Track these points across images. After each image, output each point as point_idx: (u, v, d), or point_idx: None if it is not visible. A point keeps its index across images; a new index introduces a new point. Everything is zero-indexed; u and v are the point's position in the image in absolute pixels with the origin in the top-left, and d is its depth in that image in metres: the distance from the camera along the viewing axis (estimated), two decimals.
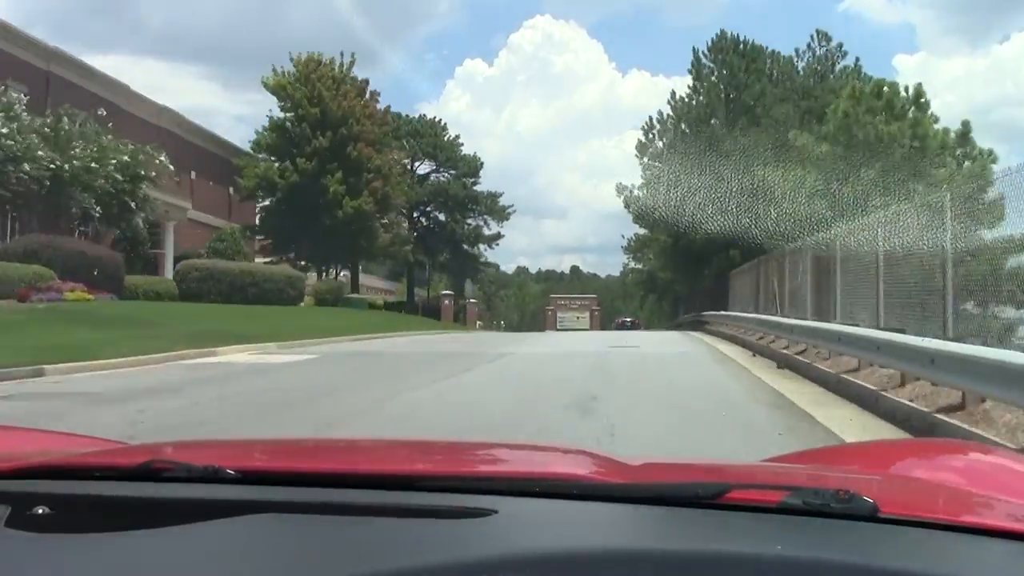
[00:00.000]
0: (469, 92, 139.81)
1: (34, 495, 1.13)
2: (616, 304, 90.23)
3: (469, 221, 60.10)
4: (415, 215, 59.49)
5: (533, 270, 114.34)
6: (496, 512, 1.03)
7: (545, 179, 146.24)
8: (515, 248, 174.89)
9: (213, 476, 1.17)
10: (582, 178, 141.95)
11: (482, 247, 60.64)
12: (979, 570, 0.93)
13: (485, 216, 60.35)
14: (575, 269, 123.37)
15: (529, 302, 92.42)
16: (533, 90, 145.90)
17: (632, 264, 68.15)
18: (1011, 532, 0.99)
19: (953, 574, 0.91)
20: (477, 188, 59.83)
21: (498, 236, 60.39)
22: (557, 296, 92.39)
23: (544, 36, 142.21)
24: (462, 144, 60.43)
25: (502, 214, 60.27)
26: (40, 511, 1.10)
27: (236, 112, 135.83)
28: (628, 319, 68.75)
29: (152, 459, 1.23)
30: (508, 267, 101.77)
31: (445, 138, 59.64)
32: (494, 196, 60.43)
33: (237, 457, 1.46)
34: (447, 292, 50.48)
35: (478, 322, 64.31)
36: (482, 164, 60.59)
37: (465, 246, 60.07)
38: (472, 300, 55.78)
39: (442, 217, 59.13)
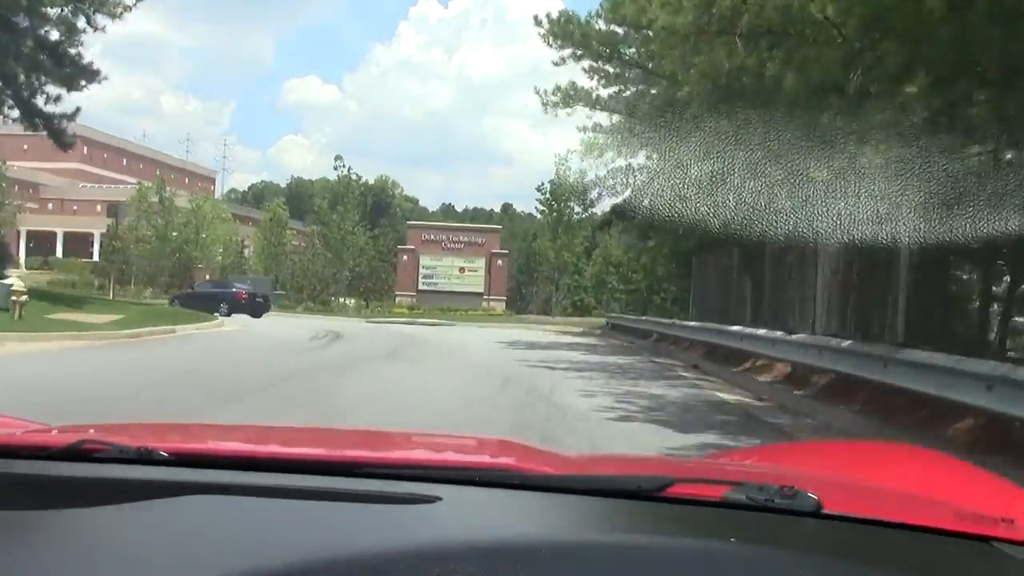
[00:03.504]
0: (423, 33, 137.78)
1: None
2: (544, 244, 47.80)
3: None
4: None
5: (460, 208, 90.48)
6: (440, 499, 1.02)
7: (493, 124, 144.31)
8: (461, 193, 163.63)
9: (146, 458, 1.15)
10: (531, 125, 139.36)
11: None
12: (920, 567, 0.94)
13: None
14: (507, 207, 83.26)
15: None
16: (486, 34, 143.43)
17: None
18: (952, 532, 1.00)
19: (895, 572, 0.91)
20: None
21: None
22: (419, 225, 49.82)
23: None
24: None
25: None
26: None
27: None
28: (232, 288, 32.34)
29: (83, 439, 1.21)
30: (431, 204, 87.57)
31: None
32: None
33: (170, 439, 1.44)
34: None
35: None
36: None
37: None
38: None
39: None
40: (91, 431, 1.38)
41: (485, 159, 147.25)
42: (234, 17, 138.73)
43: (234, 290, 31.20)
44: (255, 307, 29.80)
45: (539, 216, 46.16)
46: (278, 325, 24.10)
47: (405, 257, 44.07)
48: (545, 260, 44.98)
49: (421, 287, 43.30)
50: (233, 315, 26.95)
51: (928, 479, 1.49)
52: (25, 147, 74.73)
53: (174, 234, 43.93)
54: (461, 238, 44.53)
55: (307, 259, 44.09)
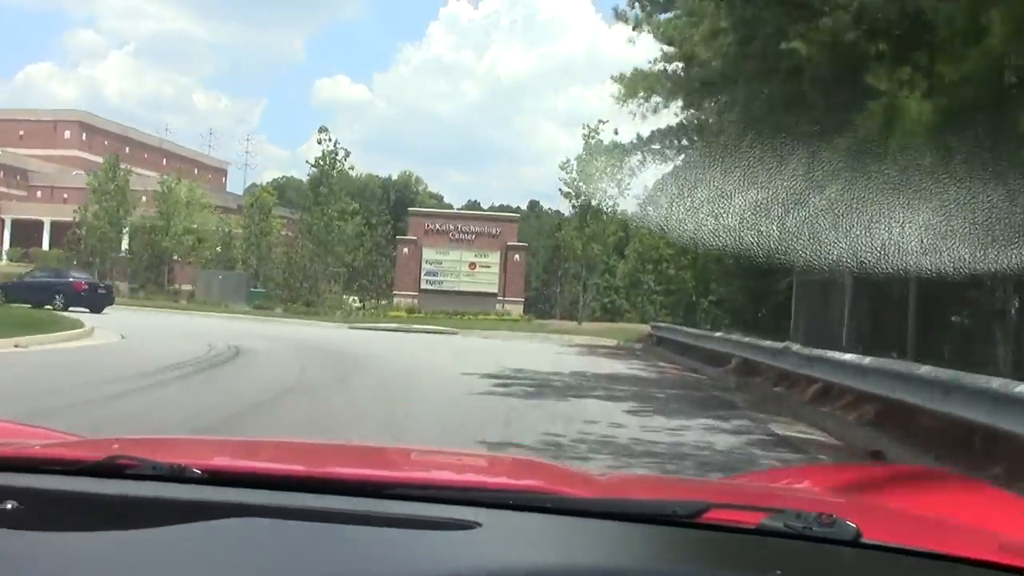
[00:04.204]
0: (453, 33, 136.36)
1: (1, 488, 1.09)
2: (569, 234, 40.39)
3: None
4: None
5: (486, 205, 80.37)
6: (480, 525, 1.01)
7: (523, 124, 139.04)
8: (489, 192, 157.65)
9: (179, 475, 1.14)
10: (560, 126, 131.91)
11: None
12: None
13: None
14: (534, 204, 76.12)
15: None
16: (517, 35, 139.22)
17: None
18: (995, 564, 0.97)
19: None
20: None
21: None
22: (422, 212, 42.81)
23: None
24: None
25: None
26: (9, 506, 1.05)
27: None
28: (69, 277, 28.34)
29: (117, 455, 1.20)
30: (457, 201, 79.79)
31: None
32: None
33: (204, 456, 1.44)
34: None
35: None
36: None
37: None
38: None
39: None
40: (122, 444, 1.37)
41: (514, 159, 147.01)
42: (266, 16, 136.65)
43: (71, 280, 27.29)
44: (95, 299, 26.21)
45: (563, 197, 38.61)
46: (180, 335, 17.01)
47: (406, 250, 37.11)
48: (572, 254, 37.81)
49: (424, 286, 36.36)
50: (70, 308, 23.70)
51: (969, 508, 1.44)
52: (21, 133, 69.89)
53: (134, 220, 37.70)
54: (472, 228, 37.47)
55: (292, 251, 37.40)
